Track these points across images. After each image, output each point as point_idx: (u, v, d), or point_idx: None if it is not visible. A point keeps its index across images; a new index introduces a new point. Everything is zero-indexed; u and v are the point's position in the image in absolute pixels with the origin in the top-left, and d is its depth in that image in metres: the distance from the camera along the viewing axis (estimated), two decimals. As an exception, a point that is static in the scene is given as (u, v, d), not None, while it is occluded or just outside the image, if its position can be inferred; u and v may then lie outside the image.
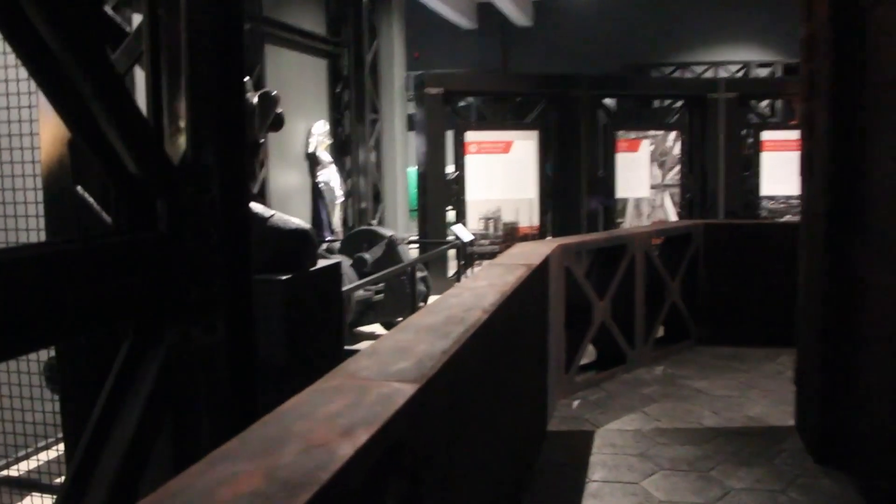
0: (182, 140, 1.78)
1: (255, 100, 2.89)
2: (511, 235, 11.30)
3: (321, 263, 3.05)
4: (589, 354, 5.84)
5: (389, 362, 2.08)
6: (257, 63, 8.22)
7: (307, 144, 9.80)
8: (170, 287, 1.75)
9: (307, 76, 9.92)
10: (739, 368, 5.95)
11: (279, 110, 3.16)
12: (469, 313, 2.81)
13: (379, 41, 10.96)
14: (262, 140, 3.00)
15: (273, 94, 2.95)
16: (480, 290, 3.33)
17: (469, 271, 9.60)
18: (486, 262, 5.99)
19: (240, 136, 1.98)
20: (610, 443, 4.41)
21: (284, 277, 2.70)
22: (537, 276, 4.28)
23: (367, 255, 8.06)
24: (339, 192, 10.10)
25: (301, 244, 2.83)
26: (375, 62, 10.94)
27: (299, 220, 2.94)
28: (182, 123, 1.78)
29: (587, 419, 4.88)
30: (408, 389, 1.83)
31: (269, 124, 2.94)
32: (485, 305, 2.96)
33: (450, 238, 10.26)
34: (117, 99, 1.61)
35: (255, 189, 8.24)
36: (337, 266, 3.11)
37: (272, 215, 2.86)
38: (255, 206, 2.93)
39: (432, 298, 9.04)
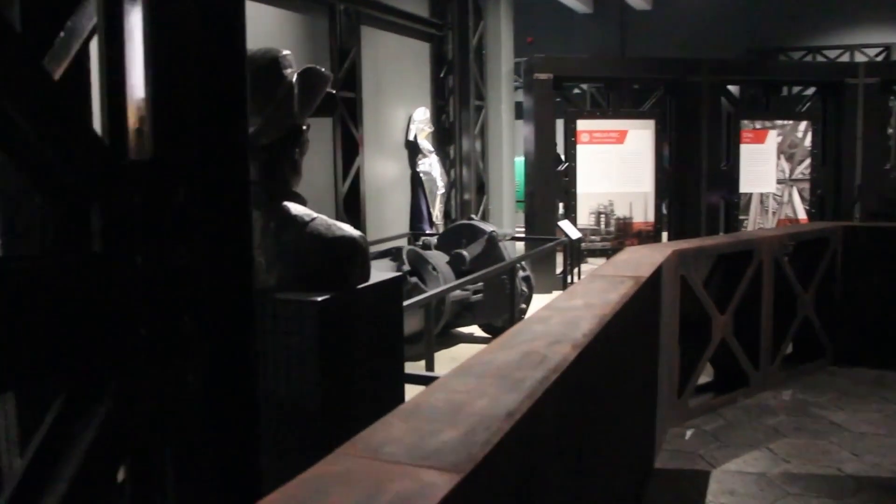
0: (141, 129, 1.28)
1: (295, 78, 2.39)
2: (624, 231, 10.57)
3: (378, 276, 2.54)
4: (705, 373, 5.14)
5: (430, 430, 1.52)
6: (352, 46, 7.80)
7: (407, 132, 9.35)
8: (108, 325, 1.25)
9: (408, 60, 9.45)
10: (886, 398, 5.12)
11: (332, 91, 2.65)
12: (554, 349, 2.24)
13: (485, 23, 10.38)
14: (306, 127, 2.48)
15: (320, 71, 2.44)
16: (574, 313, 2.74)
17: (576, 271, 8.95)
18: (586, 274, 5.36)
19: (235, 123, 1.46)
20: (728, 489, 3.74)
21: (320, 298, 2.20)
22: (648, 291, 3.65)
23: (465, 252, 7.54)
24: (441, 183, 9.61)
25: (348, 255, 2.32)
26: (481, 46, 10.37)
27: (348, 226, 2.42)
28: (143, 105, 1.29)
29: (701, 455, 4.21)
30: (442, 484, 1.28)
31: (315, 107, 2.42)
32: (576, 337, 2.38)
33: (556, 235, 9.62)
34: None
35: (346, 183, 7.85)
36: (397, 281, 2.58)
37: (313, 219, 2.36)
38: (295, 209, 2.43)
39: (536, 299, 8.45)
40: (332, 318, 2.24)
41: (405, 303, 5.54)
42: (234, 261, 1.48)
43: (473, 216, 9.16)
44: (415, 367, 6.46)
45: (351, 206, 7.95)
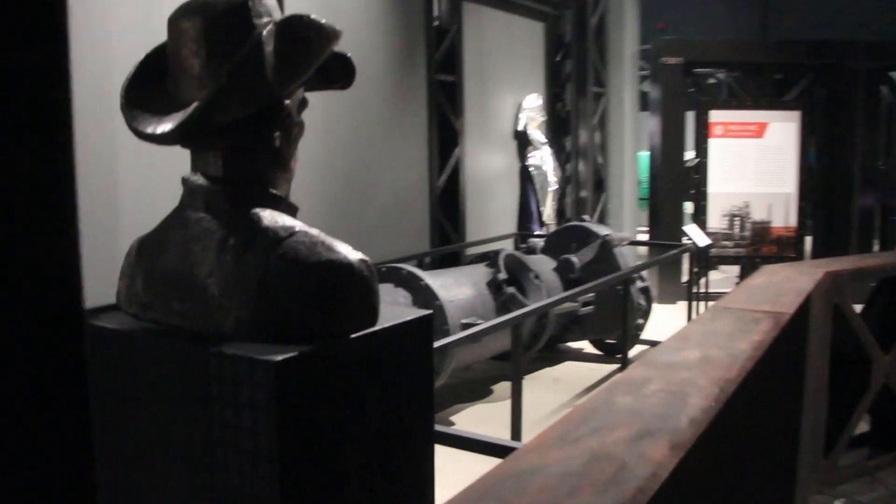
0: None
1: (268, 30, 1.61)
2: (761, 237, 9.38)
3: (402, 316, 1.74)
4: (861, 426, 4.10)
5: None
6: (453, 24, 7.02)
7: (516, 121, 8.49)
8: None
9: (518, 42, 8.56)
10: None
11: (344, 53, 1.86)
12: (641, 449, 1.43)
13: (606, 3, 9.38)
14: (291, 101, 1.78)
15: (313, 21, 1.64)
16: (684, 374, 1.89)
17: (704, 281, 7.88)
18: (714, 296, 4.41)
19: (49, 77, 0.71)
20: None
21: (280, 357, 1.42)
22: (791, 331, 2.72)
23: (574, 258, 6.64)
24: (553, 178, 8.70)
25: (334, 290, 1.54)
26: (602, 27, 9.38)
27: (345, 246, 1.63)
28: None
29: (857, 542, 3.23)
30: None
31: (307, 73, 1.64)
32: (680, 426, 1.54)
33: (682, 240, 8.55)
34: None
35: (442, 177, 7.08)
36: (422, 324, 1.77)
37: (291, 234, 1.57)
38: (268, 218, 1.65)
39: (659, 311, 7.46)
40: (298, 384, 1.47)
41: (494, 320, 4.76)
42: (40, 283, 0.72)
43: (586, 217, 8.21)
44: (488, 410, 5.71)
45: (448, 202, 7.19)
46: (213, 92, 1.58)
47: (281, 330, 1.58)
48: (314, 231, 1.67)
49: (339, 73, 1.87)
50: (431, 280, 5.16)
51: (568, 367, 6.90)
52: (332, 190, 5.76)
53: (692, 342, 2.23)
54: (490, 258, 6.09)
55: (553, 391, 6.15)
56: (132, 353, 1.75)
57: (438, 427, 2.37)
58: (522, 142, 8.53)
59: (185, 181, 1.74)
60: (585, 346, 7.30)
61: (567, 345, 7.21)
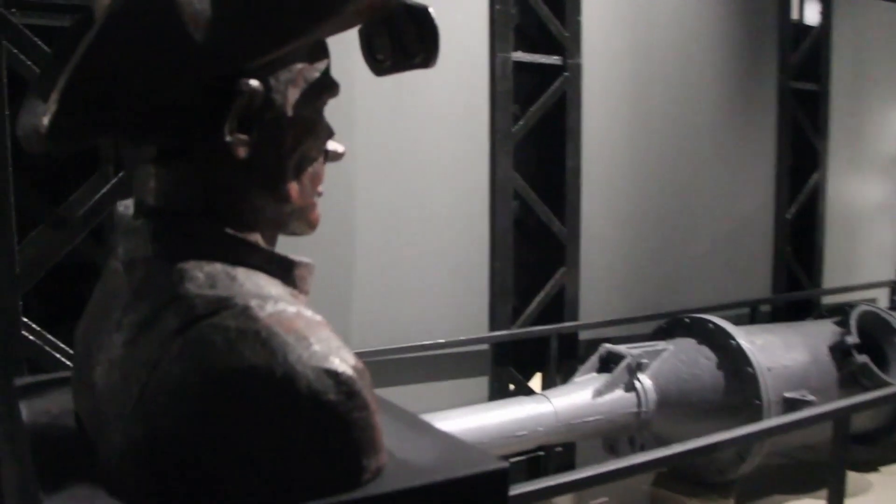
0: None
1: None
2: None
3: (433, 468, 0.91)
4: None
5: None
6: (818, 20, 5.70)
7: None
8: None
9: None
10: None
11: (420, 4, 1.08)
12: None
13: None
14: (278, 80, 1.04)
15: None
16: None
17: None
18: None
19: None
20: None
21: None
22: None
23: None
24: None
25: (239, 425, 0.78)
26: None
27: (323, 341, 0.87)
28: None
29: None
30: None
31: (298, 27, 0.90)
32: None
33: None
34: None
35: (793, 206, 5.73)
36: (486, 482, 0.91)
37: (216, 310, 0.84)
38: (202, 276, 0.94)
39: None
40: None
41: (833, 405, 3.53)
42: None
43: None
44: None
45: (800, 238, 5.87)
46: (90, 46, 0.88)
47: (164, 481, 0.86)
48: (287, 309, 0.94)
49: (412, 37, 1.09)
50: (746, 339, 4.05)
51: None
52: (641, 216, 4.85)
53: None
54: (845, 313, 4.76)
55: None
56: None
57: None
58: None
59: (114, 210, 1.11)
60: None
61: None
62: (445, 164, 4.14)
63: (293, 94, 1.03)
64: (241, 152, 0.98)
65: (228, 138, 0.97)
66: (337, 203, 3.86)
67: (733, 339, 4.03)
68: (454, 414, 3.65)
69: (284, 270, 1.05)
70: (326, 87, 1.08)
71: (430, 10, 1.07)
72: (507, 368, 4.36)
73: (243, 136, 0.98)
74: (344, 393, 0.90)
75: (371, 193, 3.94)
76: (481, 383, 4.33)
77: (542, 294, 4.44)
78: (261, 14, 0.93)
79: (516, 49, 4.29)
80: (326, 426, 0.89)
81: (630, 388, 3.89)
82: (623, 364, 3.90)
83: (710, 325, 4.16)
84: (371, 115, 3.90)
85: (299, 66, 1.03)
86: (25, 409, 1.26)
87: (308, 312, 0.96)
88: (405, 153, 4.03)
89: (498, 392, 4.31)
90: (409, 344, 4.02)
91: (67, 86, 0.89)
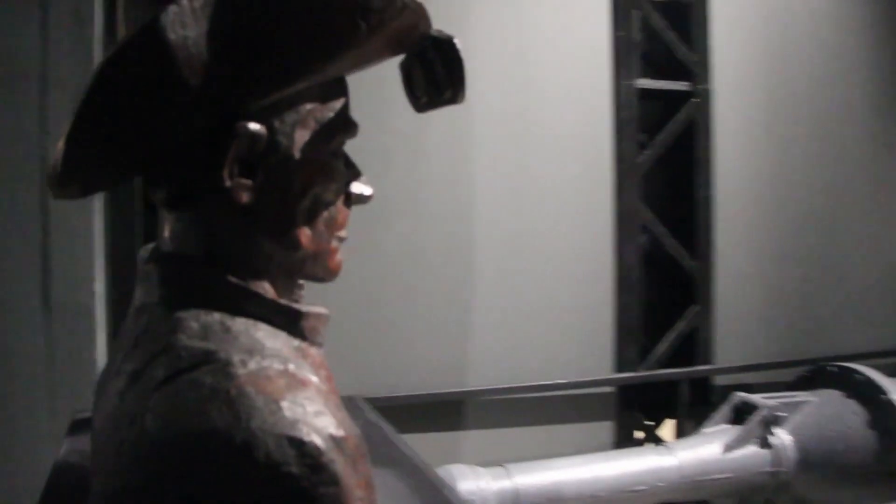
0: None
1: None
2: None
3: None
4: None
5: None
6: None
7: None
8: None
9: None
10: None
11: (446, 36, 0.96)
12: None
13: None
14: (282, 122, 0.98)
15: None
16: None
17: None
18: None
19: None
20: None
21: None
22: None
23: None
24: None
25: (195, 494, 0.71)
26: None
27: (313, 405, 0.80)
28: None
29: None
30: None
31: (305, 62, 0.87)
32: None
33: None
34: None
35: None
36: None
37: (197, 364, 0.81)
38: (197, 327, 0.93)
39: None
40: None
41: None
42: None
43: None
44: None
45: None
46: (88, 92, 0.89)
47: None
48: (272, 367, 0.87)
49: (441, 72, 1.01)
50: (903, 392, 3.62)
51: None
52: (782, 252, 4.46)
53: None
54: None
55: None
56: None
57: None
58: None
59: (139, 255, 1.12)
60: None
61: None
62: (567, 195, 3.98)
63: (301, 137, 0.97)
64: (244, 197, 0.94)
65: (228, 183, 0.92)
66: (455, 235, 3.80)
67: (884, 393, 3.60)
68: (567, 462, 3.45)
69: (291, 321, 0.99)
70: (341, 127, 1.02)
71: (456, 41, 0.99)
72: (634, 413, 4.12)
73: (246, 181, 0.94)
74: (308, 466, 0.80)
75: (490, 225, 3.85)
76: (605, 428, 4.10)
77: (672, 334, 4.16)
78: (260, 56, 0.89)
79: (641, 75, 4.10)
80: (286, 501, 0.80)
81: (765, 443, 3.53)
82: (757, 416, 3.56)
83: (859, 376, 3.72)
84: (490, 145, 3.82)
85: (308, 106, 0.97)
86: (66, 446, 1.29)
87: (303, 371, 0.89)
88: (525, 184, 3.91)
89: (624, 439, 4.07)
90: (528, 384, 3.87)
91: (70, 132, 0.90)
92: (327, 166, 1.01)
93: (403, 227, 3.73)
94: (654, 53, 4.21)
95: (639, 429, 4.16)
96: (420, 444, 3.82)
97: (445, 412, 3.85)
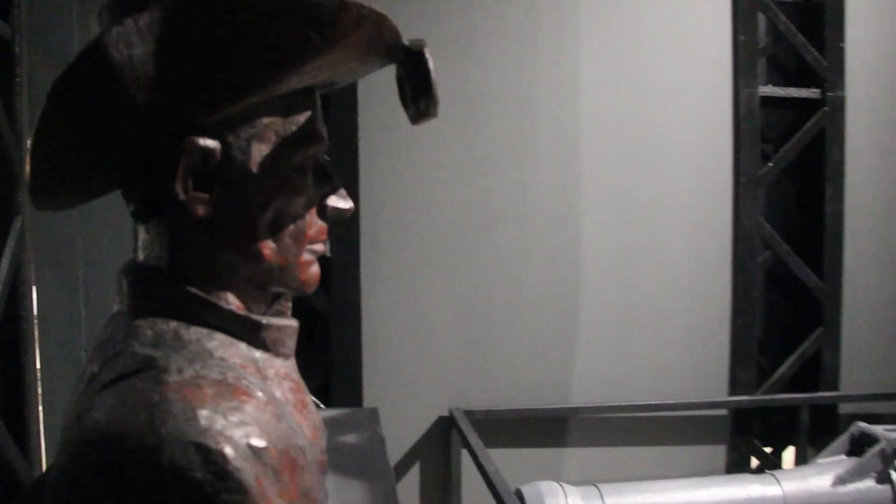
0: None
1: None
2: None
3: None
4: None
5: None
6: None
7: None
8: None
9: None
10: None
11: (411, 44, 0.92)
12: None
13: None
14: (237, 137, 0.98)
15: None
16: None
17: None
18: None
19: None
20: None
21: None
22: None
23: None
24: None
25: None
26: None
27: (221, 418, 0.85)
28: None
29: None
30: None
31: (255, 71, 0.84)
32: None
33: None
34: None
35: None
36: None
37: (137, 369, 0.91)
38: (152, 334, 0.98)
39: None
40: None
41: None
42: None
43: None
44: None
45: None
46: (42, 112, 0.91)
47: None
48: (206, 376, 0.90)
49: (414, 84, 0.99)
50: None
51: None
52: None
53: None
54: None
55: None
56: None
57: None
58: None
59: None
60: None
61: None
62: (682, 208, 3.82)
63: (259, 150, 0.97)
64: (200, 210, 0.96)
65: (182, 197, 0.94)
66: (565, 249, 3.71)
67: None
68: (663, 486, 3.33)
69: (250, 332, 1.00)
70: (305, 140, 1.00)
71: (425, 50, 0.96)
72: (749, 438, 3.90)
73: (202, 195, 0.95)
74: (212, 472, 0.82)
75: (601, 240, 3.74)
76: (718, 452, 3.92)
77: (793, 357, 3.92)
78: (206, 73, 0.89)
79: (766, 82, 3.88)
80: (189, 504, 0.83)
81: (884, 479, 3.26)
82: (876, 448, 3.28)
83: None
84: (600, 155, 3.71)
85: (266, 120, 0.97)
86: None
87: (245, 381, 0.92)
88: (638, 196, 3.77)
89: (736, 465, 3.88)
90: (638, 402, 3.75)
91: (32, 150, 0.93)
92: (291, 179, 0.99)
93: (508, 237, 3.65)
94: (781, 58, 3.97)
95: (755, 455, 3.93)
96: (520, 460, 3.76)
97: (548, 428, 3.76)
